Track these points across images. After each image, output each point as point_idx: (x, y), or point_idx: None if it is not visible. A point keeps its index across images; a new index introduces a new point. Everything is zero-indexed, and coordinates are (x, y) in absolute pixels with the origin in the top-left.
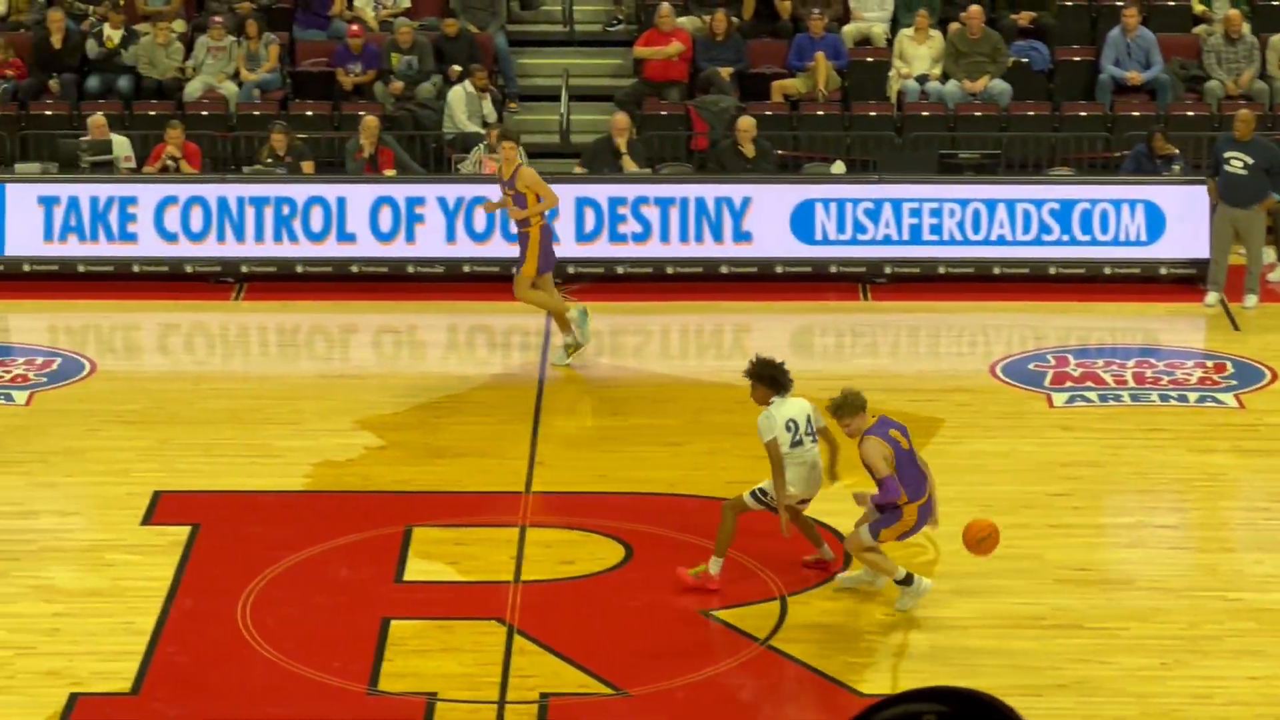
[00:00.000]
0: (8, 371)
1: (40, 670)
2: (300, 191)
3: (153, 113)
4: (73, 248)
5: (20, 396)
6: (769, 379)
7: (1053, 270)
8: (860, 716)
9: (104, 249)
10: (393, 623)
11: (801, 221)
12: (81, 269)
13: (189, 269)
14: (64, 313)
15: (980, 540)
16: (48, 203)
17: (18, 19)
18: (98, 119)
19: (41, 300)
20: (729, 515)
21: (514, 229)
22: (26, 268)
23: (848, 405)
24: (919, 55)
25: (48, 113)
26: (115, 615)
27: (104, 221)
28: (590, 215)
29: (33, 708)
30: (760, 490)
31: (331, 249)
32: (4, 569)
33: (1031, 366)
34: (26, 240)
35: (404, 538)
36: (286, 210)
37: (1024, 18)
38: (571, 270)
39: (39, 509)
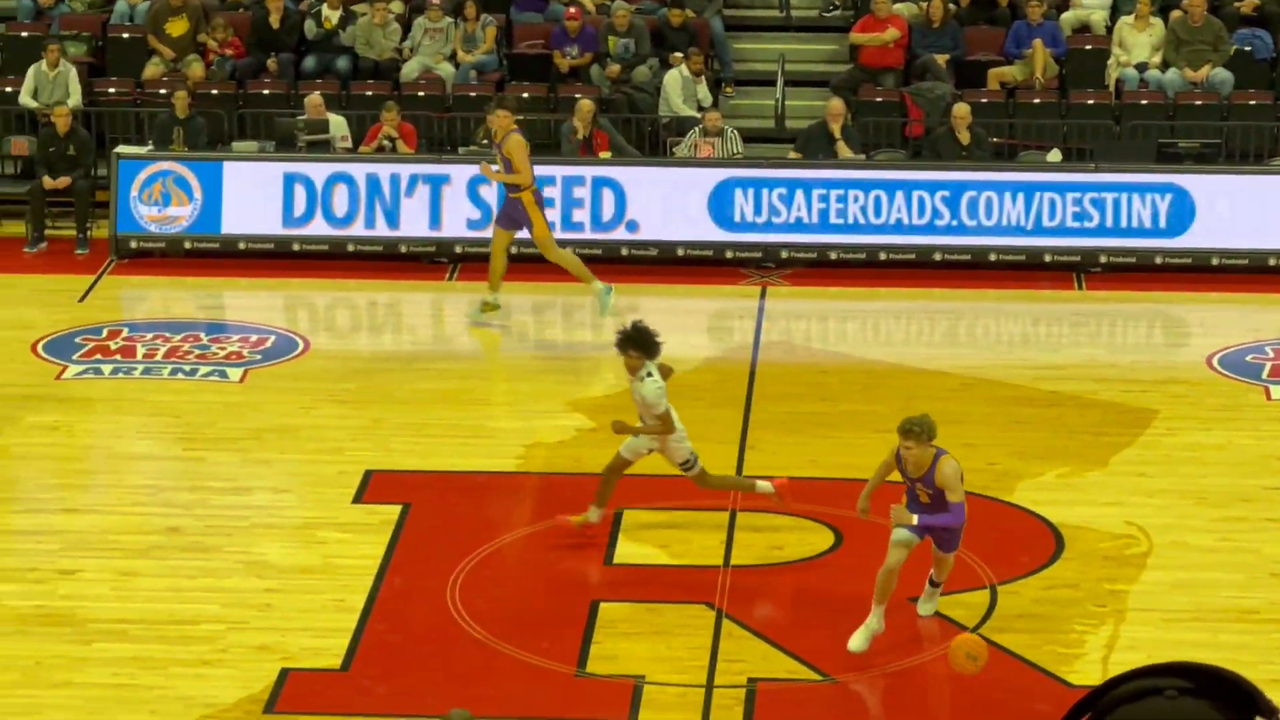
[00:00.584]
0: (222, 349)
1: (252, 645)
2: None
3: (369, 93)
4: (289, 226)
5: (235, 374)
6: (646, 344)
7: (1272, 261)
8: (1099, 689)
9: (319, 228)
10: (602, 605)
11: (1016, 209)
12: (296, 247)
13: (403, 249)
14: (279, 291)
15: (969, 658)
16: (265, 182)
17: (237, 0)
18: (315, 99)
19: (256, 278)
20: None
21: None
22: (242, 246)
23: (927, 431)
24: (1139, 43)
25: (265, 92)
26: (326, 592)
27: (321, 201)
28: (801, 200)
29: (244, 681)
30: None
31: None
32: (218, 544)
33: (1249, 358)
34: (243, 219)
35: (614, 520)
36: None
37: (1247, 5)
38: (785, 255)
39: (252, 485)
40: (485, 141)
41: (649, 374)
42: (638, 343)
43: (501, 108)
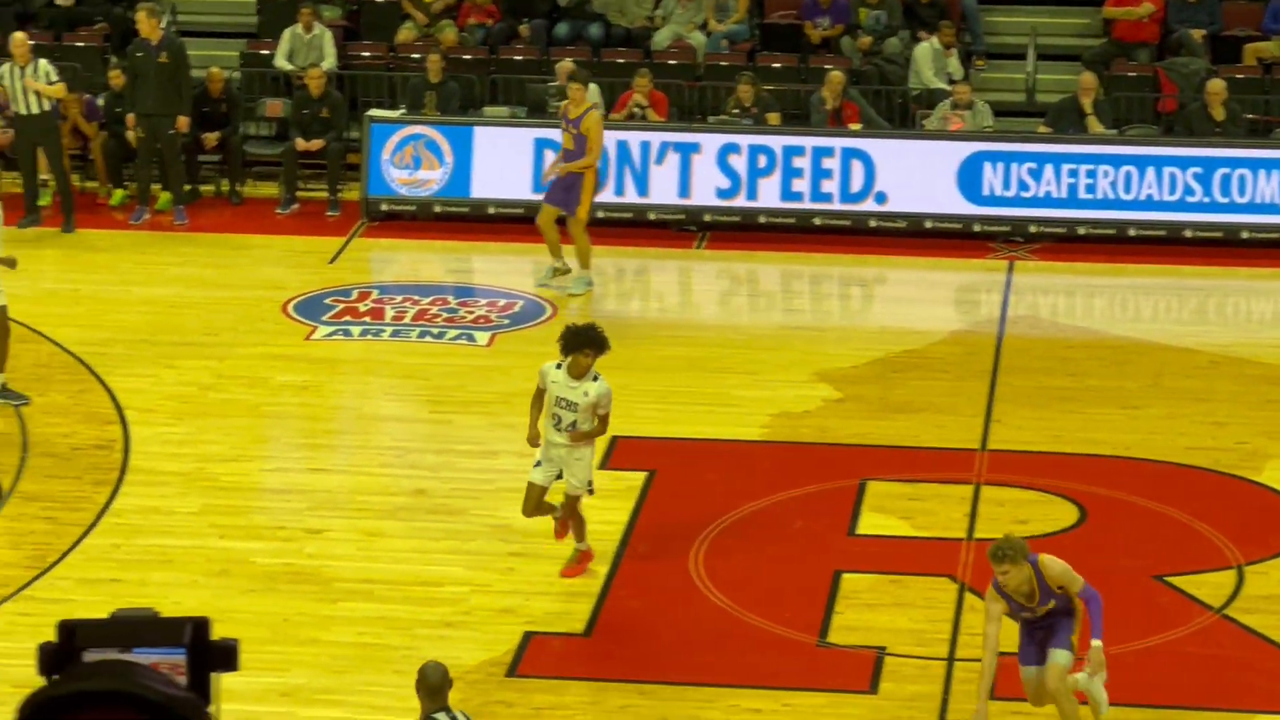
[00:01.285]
0: (470, 312)
1: (496, 608)
2: (765, 142)
3: (621, 60)
4: (539, 192)
5: (482, 338)
6: (601, 343)
7: None
8: None
9: None
10: (844, 575)
11: (1270, 187)
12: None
13: (652, 216)
14: (527, 256)
15: None
16: (516, 147)
17: None
18: (566, 64)
19: (505, 243)
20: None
21: (557, 162)
22: (492, 210)
23: (1020, 550)
24: None
25: (517, 58)
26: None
27: None
28: (1050, 173)
29: (488, 644)
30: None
31: (793, 201)
32: (464, 507)
33: None
34: (493, 183)
35: (858, 491)
36: (763, 161)
37: None
38: (1033, 229)
39: (499, 449)
40: (736, 111)
41: (597, 375)
42: (595, 342)
43: (575, 81)
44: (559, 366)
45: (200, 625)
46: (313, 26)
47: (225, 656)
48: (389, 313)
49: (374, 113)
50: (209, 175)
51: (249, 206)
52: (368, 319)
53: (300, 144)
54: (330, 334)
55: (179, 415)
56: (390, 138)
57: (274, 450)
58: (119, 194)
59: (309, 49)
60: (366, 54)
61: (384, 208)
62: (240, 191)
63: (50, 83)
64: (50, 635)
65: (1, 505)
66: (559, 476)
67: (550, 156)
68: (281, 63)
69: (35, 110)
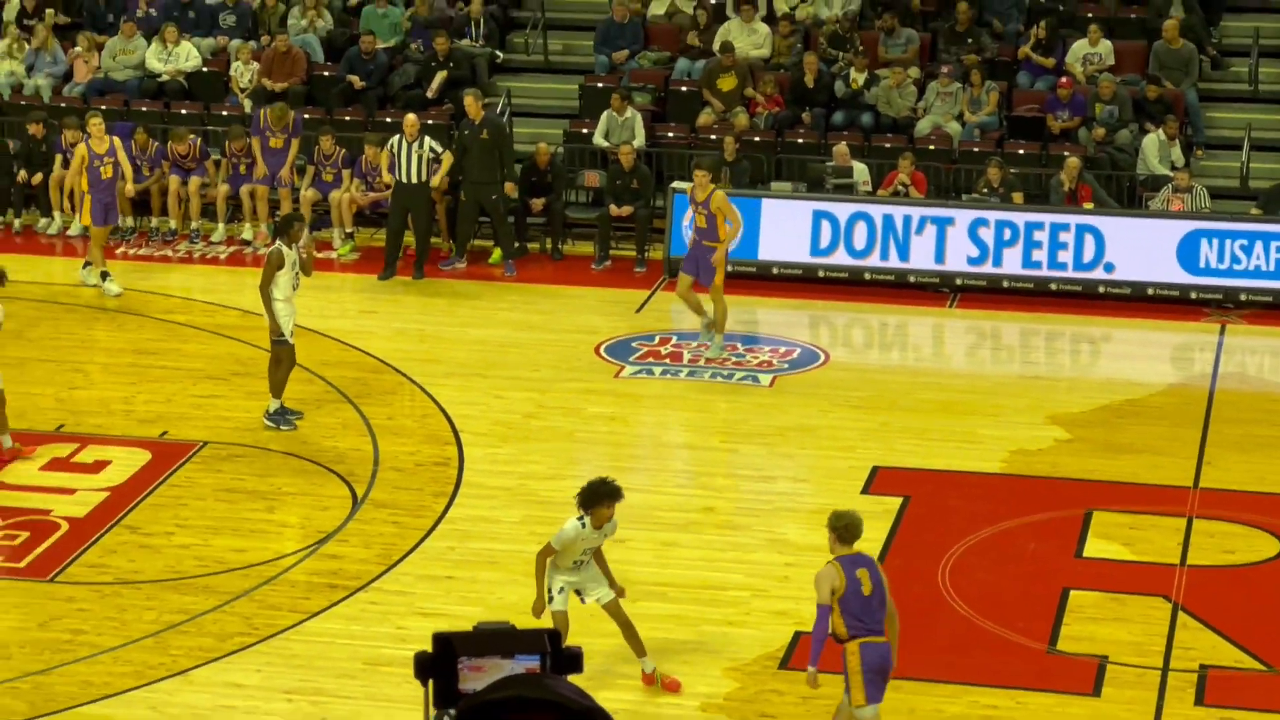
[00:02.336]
0: (755, 357)
1: (771, 610)
2: (1010, 217)
3: (888, 145)
4: (816, 255)
5: (765, 379)
6: (615, 494)
7: None
8: None
9: (841, 258)
10: (1072, 592)
11: None
12: (821, 274)
13: (911, 279)
14: (804, 310)
15: None
16: (797, 217)
17: (779, 60)
18: (841, 148)
19: (786, 299)
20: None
21: (693, 238)
22: (775, 270)
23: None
24: None
25: (800, 140)
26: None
27: (844, 235)
28: (1260, 249)
29: (764, 641)
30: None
31: (1033, 269)
32: (746, 523)
33: None
34: (777, 247)
35: (1084, 520)
36: (1008, 234)
37: None
38: (1244, 298)
39: (776, 475)
40: (985, 190)
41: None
42: (613, 494)
43: (699, 169)
44: (582, 524)
45: (554, 636)
46: (625, 110)
47: (574, 661)
48: (685, 356)
49: (677, 185)
50: (535, 235)
51: (568, 262)
52: (668, 361)
53: (613, 210)
54: (635, 373)
55: (505, 438)
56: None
57: (585, 470)
58: (497, 253)
59: (622, 129)
60: (671, 134)
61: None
62: (561, 249)
63: (434, 156)
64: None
65: (357, 510)
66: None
67: (826, 225)
68: (599, 140)
69: (415, 180)
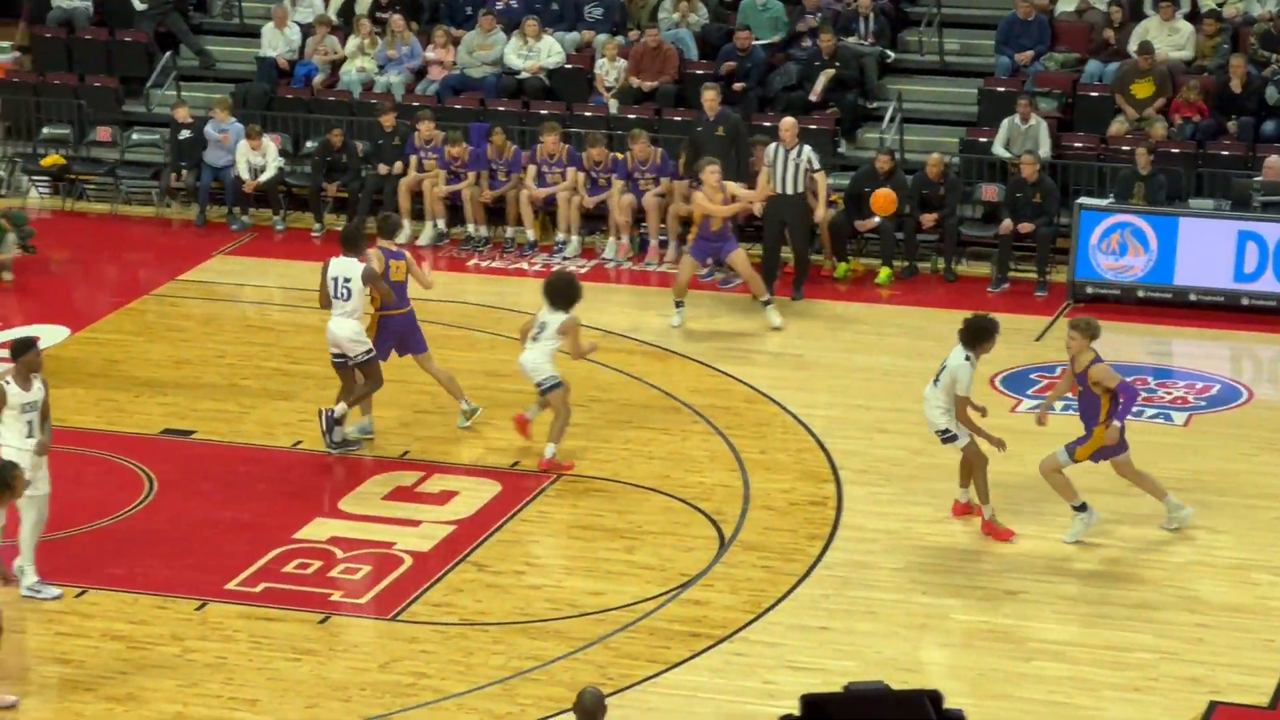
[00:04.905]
0: (1168, 393)
1: (1182, 676)
2: None
3: None
4: (1239, 282)
5: (1179, 418)
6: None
7: None
8: None
9: (1269, 284)
10: None
11: None
12: (1245, 302)
13: None
14: (1225, 341)
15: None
16: (1219, 238)
17: (1202, 63)
18: (1272, 161)
19: (1204, 328)
20: None
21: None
22: (1193, 297)
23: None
24: None
25: (1224, 153)
26: (1257, 631)
27: (1272, 259)
28: None
29: (1173, 710)
30: None
31: None
32: (1154, 577)
33: None
34: (1196, 271)
35: None
36: None
37: None
38: None
39: (1190, 524)
40: None
41: None
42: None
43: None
44: (970, 362)
45: (935, 699)
46: (1029, 117)
47: None
48: None
49: (1084, 200)
50: (926, 253)
51: (962, 284)
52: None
53: (1006, 226)
54: (1033, 407)
55: (889, 477)
56: (1098, 225)
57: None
58: (842, 267)
59: (1025, 137)
60: (1079, 144)
61: (1089, 290)
62: (954, 270)
63: (812, 168)
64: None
65: (724, 553)
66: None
67: (1252, 248)
68: (999, 150)
69: (791, 191)
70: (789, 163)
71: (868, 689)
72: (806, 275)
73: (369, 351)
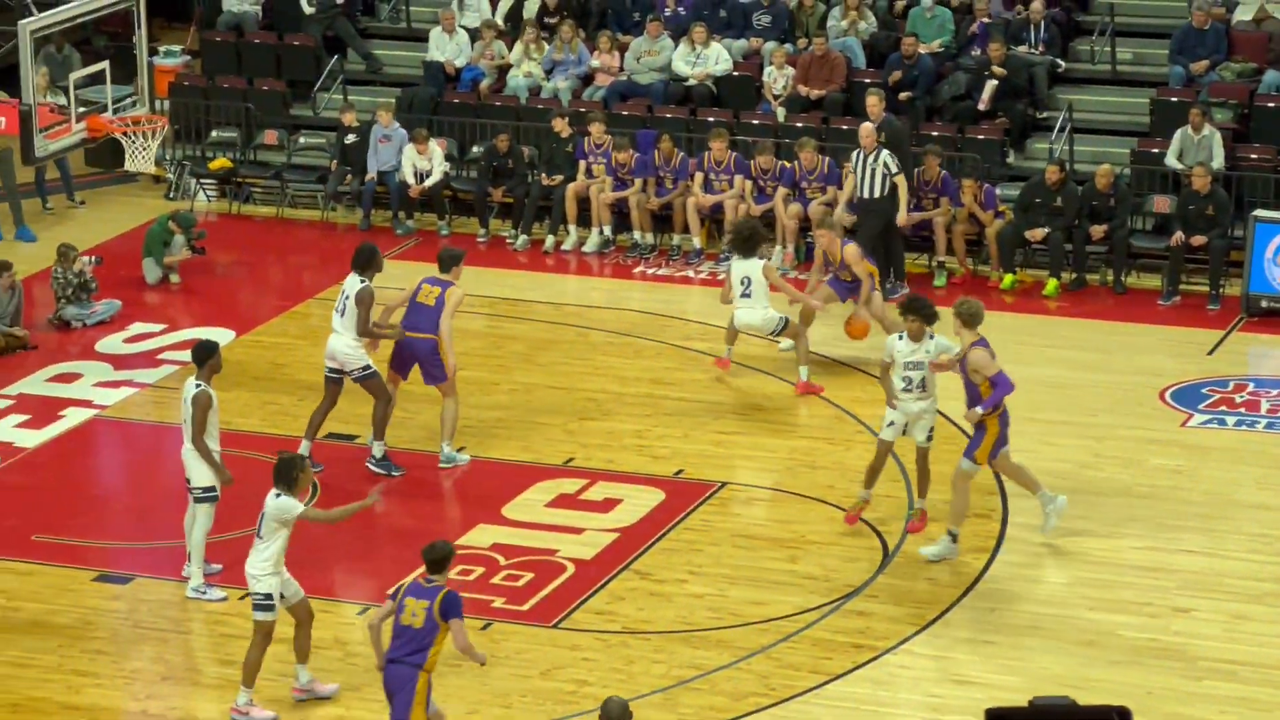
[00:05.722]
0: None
1: None
2: None
3: None
4: None
5: None
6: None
7: None
8: None
9: None
10: None
11: None
12: None
13: None
14: None
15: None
16: None
17: None
18: None
19: None
20: None
21: None
22: None
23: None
24: None
25: None
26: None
27: None
28: None
29: None
30: None
31: None
32: None
33: None
34: None
35: None
36: None
37: None
38: None
39: None
40: None
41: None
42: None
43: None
44: (900, 338)
45: (1125, 715)
46: (1203, 128)
47: None
48: (1264, 405)
49: (1260, 213)
50: (1095, 265)
51: (1132, 296)
52: (1243, 410)
53: (1178, 239)
54: (1205, 422)
55: (1055, 490)
56: (1274, 237)
57: (1144, 529)
58: (1009, 278)
59: (1198, 148)
60: (1255, 156)
61: (1264, 304)
62: (1124, 282)
63: (890, 171)
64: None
65: (887, 564)
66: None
67: None
68: (1171, 161)
69: (869, 195)
70: (868, 167)
71: (1054, 704)
72: (902, 275)
73: (367, 368)
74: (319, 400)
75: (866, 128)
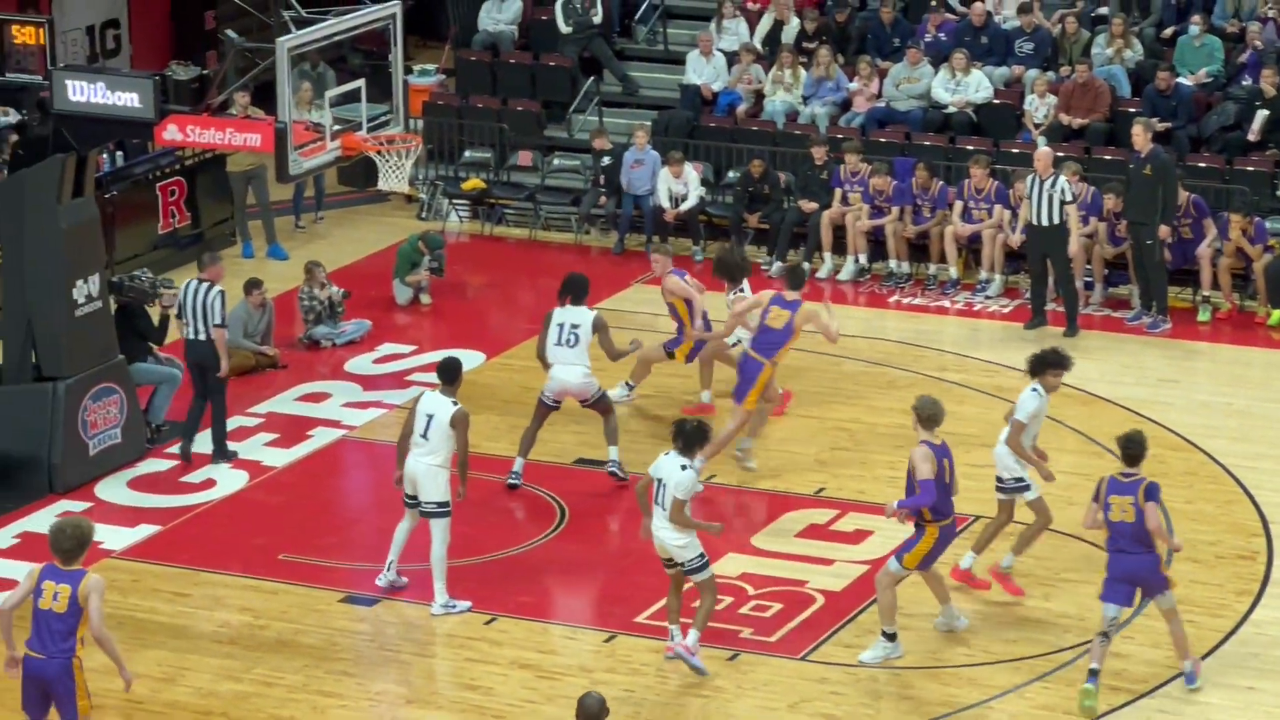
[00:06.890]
0: None
1: None
2: None
3: None
4: None
5: None
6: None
7: None
8: None
9: None
10: None
11: None
12: None
13: None
14: None
15: None
16: None
17: None
18: None
19: None
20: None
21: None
22: None
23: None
24: None
25: None
26: None
27: None
28: None
29: None
30: None
31: None
32: None
33: None
34: None
35: None
36: None
37: None
38: None
39: None
40: None
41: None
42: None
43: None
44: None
45: None
46: None
47: None
48: None
49: None
50: None
51: None
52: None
53: None
54: None
55: None
56: None
57: None
58: (1276, 315)
59: None
60: None
61: None
62: None
63: (1065, 199)
64: None
65: (1145, 605)
66: None
67: None
68: None
69: (1048, 222)
70: (1044, 193)
71: None
72: (1076, 308)
73: (599, 391)
74: (566, 424)
75: (1043, 152)
